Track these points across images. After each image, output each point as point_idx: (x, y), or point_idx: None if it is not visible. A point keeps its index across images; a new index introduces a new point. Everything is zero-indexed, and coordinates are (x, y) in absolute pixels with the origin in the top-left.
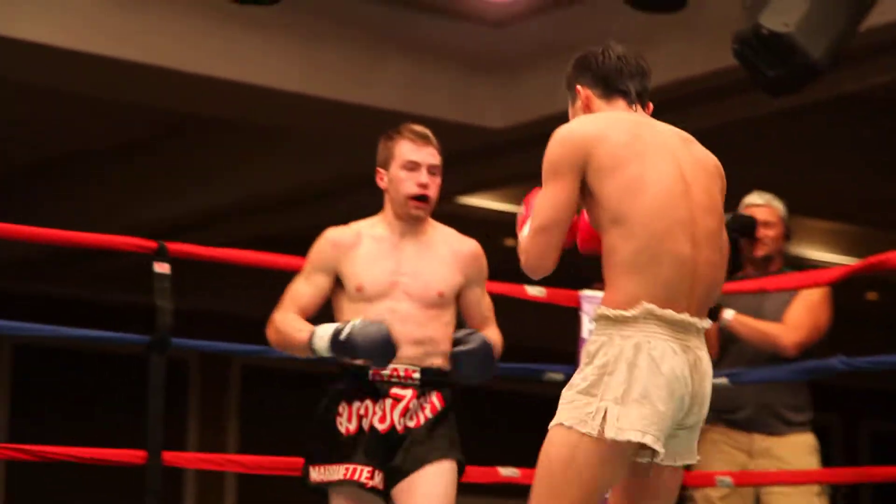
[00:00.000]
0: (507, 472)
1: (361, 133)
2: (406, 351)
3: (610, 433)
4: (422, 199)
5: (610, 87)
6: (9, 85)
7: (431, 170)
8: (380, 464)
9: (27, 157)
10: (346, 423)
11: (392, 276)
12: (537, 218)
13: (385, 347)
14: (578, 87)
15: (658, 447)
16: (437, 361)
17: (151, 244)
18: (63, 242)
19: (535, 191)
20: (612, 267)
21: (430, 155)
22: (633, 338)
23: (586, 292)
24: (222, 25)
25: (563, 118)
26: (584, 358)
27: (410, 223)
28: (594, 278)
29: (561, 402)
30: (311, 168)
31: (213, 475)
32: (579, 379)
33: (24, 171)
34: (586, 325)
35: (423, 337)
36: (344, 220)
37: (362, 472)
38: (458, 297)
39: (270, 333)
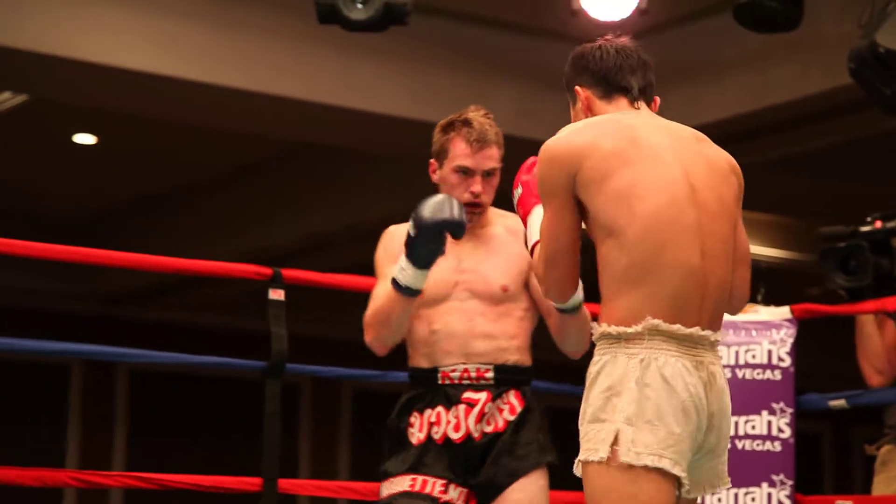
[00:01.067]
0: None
1: None
2: (477, 347)
3: (626, 458)
4: (476, 206)
5: (610, 85)
6: (117, 116)
7: (488, 173)
8: (457, 476)
9: (138, 188)
10: (416, 433)
11: (453, 274)
12: (544, 249)
13: (448, 200)
14: (577, 88)
15: (678, 472)
16: (513, 357)
17: (267, 271)
18: (181, 270)
19: (529, 161)
20: (610, 281)
21: (486, 159)
22: (639, 355)
23: None
24: (333, 52)
25: None
26: (587, 382)
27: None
28: None
29: (580, 439)
30: (420, 193)
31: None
32: (586, 407)
33: (135, 201)
34: None
35: (493, 331)
36: None
37: (434, 485)
38: (529, 285)
39: (371, 324)
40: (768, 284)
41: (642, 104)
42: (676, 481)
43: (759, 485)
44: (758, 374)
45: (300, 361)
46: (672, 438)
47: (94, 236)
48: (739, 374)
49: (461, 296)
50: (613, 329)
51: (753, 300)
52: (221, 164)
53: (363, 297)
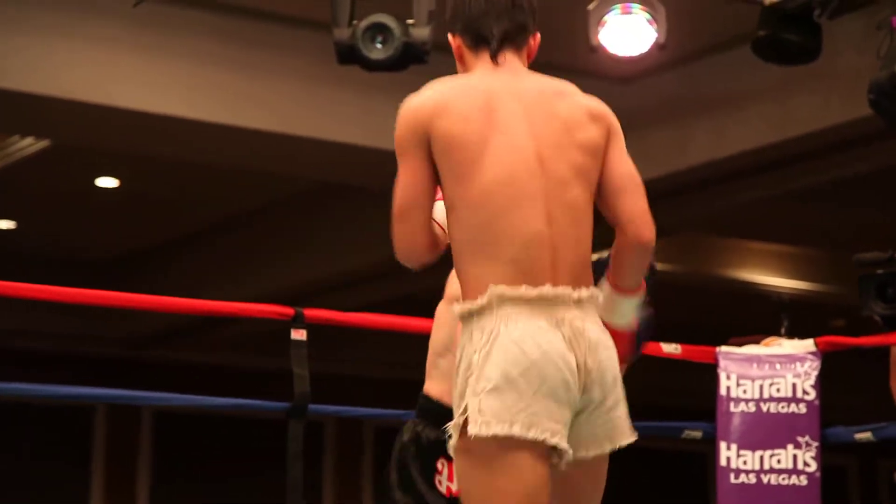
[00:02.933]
0: None
1: None
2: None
3: (474, 429)
4: None
5: (477, 36)
6: (139, 160)
7: None
8: None
9: (160, 230)
10: (446, 483)
11: None
12: (394, 206)
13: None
14: (450, 35)
15: (534, 435)
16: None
17: (289, 311)
18: (204, 312)
19: None
20: (457, 257)
21: None
22: (489, 326)
23: (723, 348)
24: (353, 92)
25: (693, 172)
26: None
27: None
28: (731, 335)
29: None
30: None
31: None
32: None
33: (158, 243)
34: (724, 382)
35: None
36: None
37: None
38: None
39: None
40: (792, 316)
41: (508, 55)
42: (552, 449)
43: None
44: (782, 407)
45: (323, 399)
46: (524, 401)
47: (117, 278)
48: (764, 407)
49: None
50: (465, 306)
51: (777, 333)
52: (243, 205)
53: (384, 335)
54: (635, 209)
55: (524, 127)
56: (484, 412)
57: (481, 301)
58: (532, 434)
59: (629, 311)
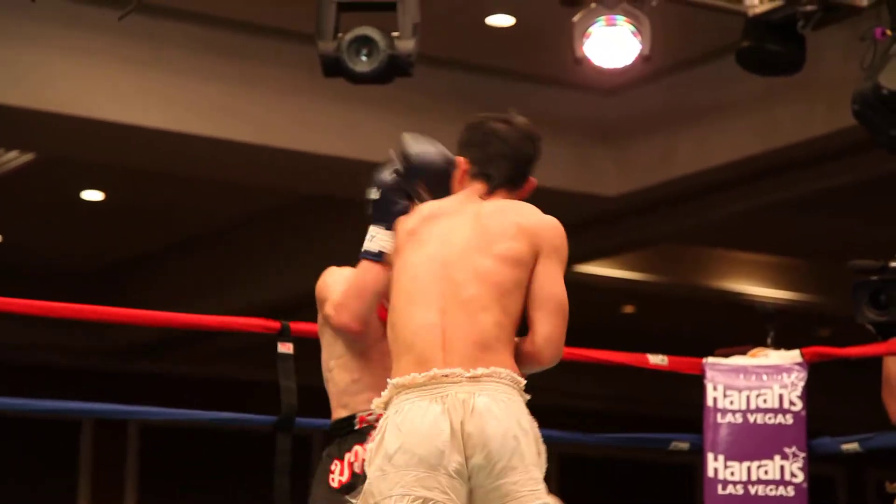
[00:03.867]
0: None
1: None
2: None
3: None
4: None
5: (484, 173)
6: (124, 172)
7: None
8: None
9: (146, 242)
10: (338, 477)
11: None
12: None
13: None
14: (460, 158)
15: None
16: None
17: (275, 324)
18: (190, 325)
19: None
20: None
21: None
22: (386, 415)
23: (709, 360)
24: (339, 105)
25: (678, 184)
26: None
27: None
28: (717, 345)
29: None
30: None
31: None
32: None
33: (143, 255)
34: (711, 393)
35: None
36: None
37: None
38: None
39: (344, 303)
40: (778, 327)
41: (501, 193)
42: None
43: None
44: (769, 418)
45: (312, 412)
46: (400, 476)
47: (103, 291)
48: (751, 418)
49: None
50: (376, 402)
51: (763, 344)
52: (228, 218)
53: None
54: (545, 331)
55: (453, 238)
56: (374, 494)
57: (385, 395)
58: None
59: None
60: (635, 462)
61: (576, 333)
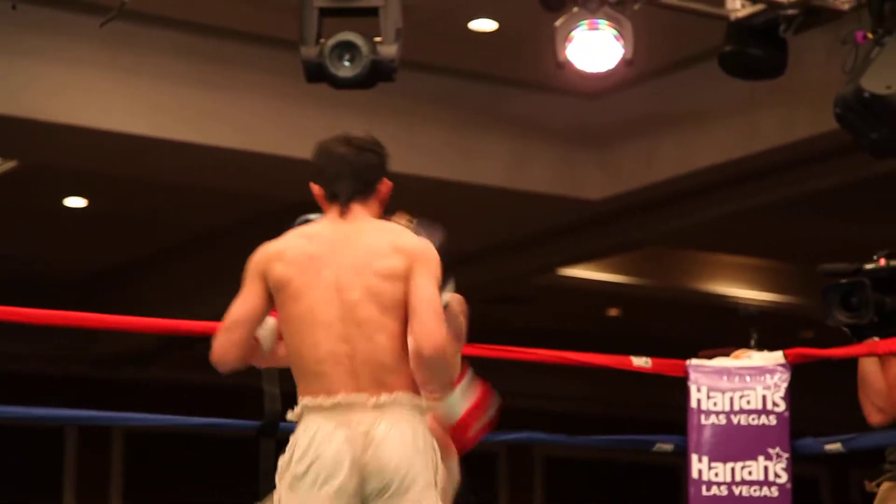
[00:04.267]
0: None
1: (464, 210)
2: None
3: None
4: None
5: (331, 194)
6: (107, 179)
7: None
8: None
9: (130, 249)
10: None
11: None
12: (225, 317)
13: None
14: (313, 184)
15: None
16: None
17: None
18: (174, 331)
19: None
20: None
21: None
22: (296, 433)
23: (693, 361)
24: (322, 110)
25: (661, 187)
26: None
27: None
28: (701, 348)
29: None
30: None
31: None
32: None
33: (127, 262)
34: (694, 395)
35: None
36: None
37: None
38: None
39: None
40: (761, 329)
41: (355, 207)
42: None
43: None
44: (753, 419)
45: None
46: (304, 496)
47: (86, 298)
48: (735, 419)
49: None
50: (289, 415)
51: (746, 346)
52: (211, 224)
53: None
54: (421, 328)
55: (333, 263)
56: None
57: (295, 413)
58: None
59: (450, 408)
60: (620, 464)
61: (561, 336)
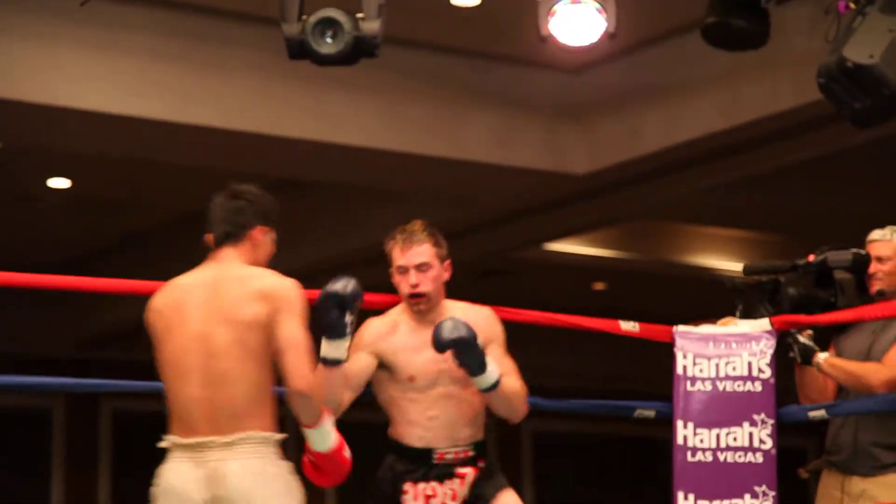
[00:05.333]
0: None
1: (450, 186)
2: (464, 432)
3: None
4: (417, 296)
5: (213, 237)
6: (91, 159)
7: (420, 267)
8: None
9: (114, 229)
10: (412, 501)
11: (437, 363)
12: None
13: (345, 278)
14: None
15: None
16: (480, 434)
17: None
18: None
19: None
20: None
21: (415, 255)
22: (161, 468)
23: (680, 328)
24: (305, 87)
25: (646, 161)
26: None
27: (424, 314)
28: (687, 321)
29: None
30: (392, 224)
31: None
32: None
33: (112, 243)
34: (681, 361)
35: (473, 416)
36: None
37: None
38: None
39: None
40: (746, 299)
41: (227, 250)
42: None
43: (741, 496)
44: (738, 385)
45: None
46: None
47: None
48: (720, 386)
49: (445, 381)
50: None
51: (731, 314)
52: (196, 204)
53: None
54: (290, 367)
55: (199, 312)
56: None
57: (165, 445)
58: None
59: (320, 440)
60: (606, 436)
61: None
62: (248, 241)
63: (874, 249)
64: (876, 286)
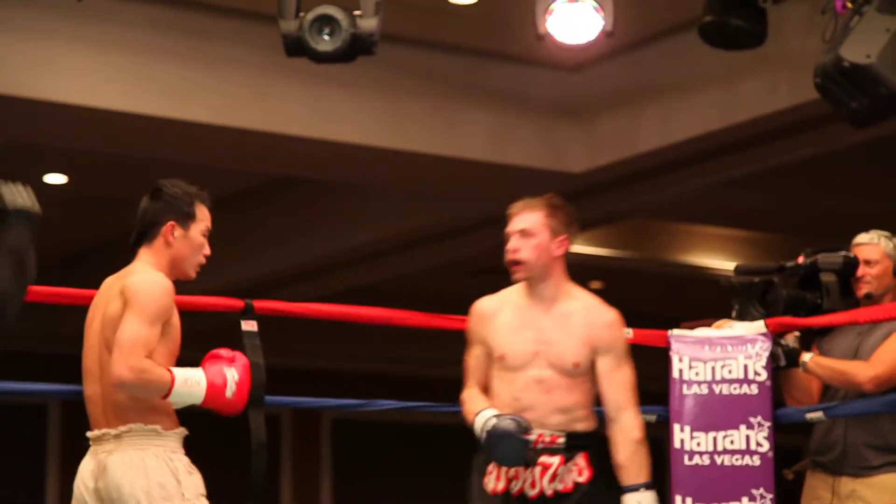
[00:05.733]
0: None
1: (446, 184)
2: (553, 419)
3: None
4: (514, 263)
5: None
6: (87, 155)
7: (523, 233)
8: None
9: (110, 226)
10: (493, 483)
11: (534, 344)
12: None
13: (511, 458)
14: None
15: None
16: (581, 425)
17: (238, 303)
18: None
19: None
20: None
21: (520, 221)
22: None
23: (675, 332)
24: (302, 85)
25: (644, 159)
26: None
27: (543, 289)
28: (684, 320)
29: None
30: (398, 221)
31: None
32: None
33: (108, 239)
34: (676, 365)
35: (568, 405)
36: (433, 270)
37: None
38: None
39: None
40: (742, 299)
41: (141, 251)
42: None
43: (738, 499)
44: (734, 388)
45: (278, 392)
46: None
47: (67, 275)
48: (716, 389)
49: (540, 364)
50: None
51: (728, 317)
52: None
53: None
54: (113, 362)
55: (96, 313)
56: None
57: None
58: None
59: (189, 397)
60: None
61: None
62: (160, 238)
63: (862, 253)
64: (864, 289)
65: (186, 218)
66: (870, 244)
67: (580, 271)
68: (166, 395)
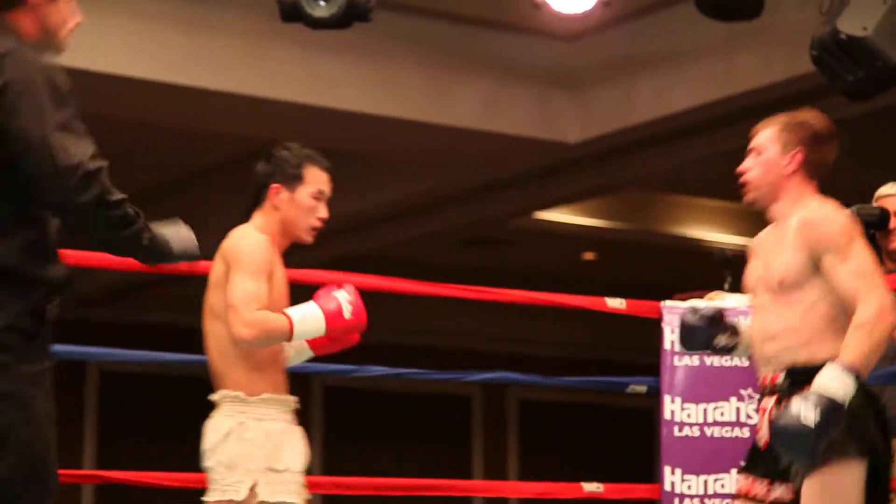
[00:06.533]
0: (591, 487)
1: (441, 152)
2: (766, 350)
3: None
4: (743, 183)
5: None
6: (86, 119)
7: (753, 151)
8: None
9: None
10: (759, 416)
11: (758, 270)
12: None
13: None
14: None
15: None
16: (802, 356)
17: None
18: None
19: None
20: None
21: (754, 139)
22: None
23: (667, 303)
24: (297, 50)
25: (639, 130)
26: None
27: (774, 212)
28: (677, 291)
29: None
30: (390, 189)
31: None
32: None
33: None
34: (668, 337)
35: (777, 331)
36: (432, 236)
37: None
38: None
39: None
40: (735, 272)
41: (253, 216)
42: None
43: (728, 471)
44: (725, 360)
45: None
46: None
47: (64, 240)
48: (707, 361)
49: (760, 290)
50: None
51: (720, 288)
52: (187, 165)
53: None
54: (230, 321)
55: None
56: None
57: None
58: None
59: (312, 331)
60: (594, 406)
61: (537, 279)
62: (268, 201)
63: (891, 204)
64: None
65: (293, 180)
66: None
67: (573, 242)
68: (290, 337)
